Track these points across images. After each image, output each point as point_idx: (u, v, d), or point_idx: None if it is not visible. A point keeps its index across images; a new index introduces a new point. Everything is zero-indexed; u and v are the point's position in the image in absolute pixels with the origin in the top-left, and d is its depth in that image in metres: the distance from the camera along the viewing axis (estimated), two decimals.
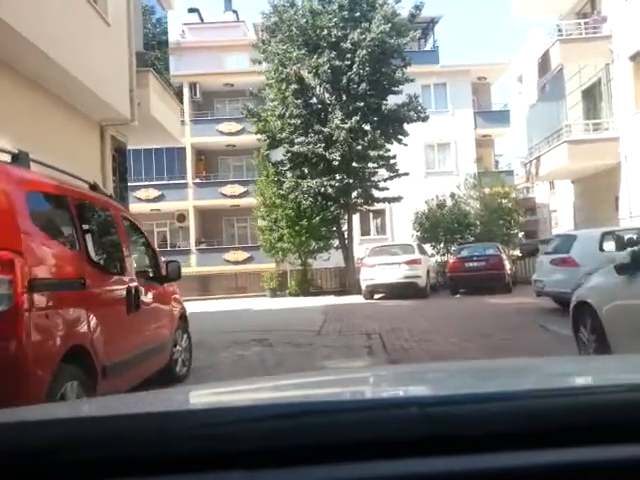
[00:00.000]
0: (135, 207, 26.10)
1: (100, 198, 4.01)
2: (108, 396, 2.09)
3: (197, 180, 26.60)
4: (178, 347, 5.43)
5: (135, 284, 4.09)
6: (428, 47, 27.16)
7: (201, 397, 1.17)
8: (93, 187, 4.11)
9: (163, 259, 5.42)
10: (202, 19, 33.69)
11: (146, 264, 5.01)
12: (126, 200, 11.35)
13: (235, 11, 33.21)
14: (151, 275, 4.96)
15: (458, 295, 15.41)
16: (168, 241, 27.62)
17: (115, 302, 3.80)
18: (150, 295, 4.57)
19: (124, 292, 3.91)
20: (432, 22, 26.22)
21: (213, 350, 7.56)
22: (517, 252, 20.39)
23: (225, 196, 26.04)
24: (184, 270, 20.32)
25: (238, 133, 25.65)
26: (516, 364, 1.60)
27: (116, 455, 0.67)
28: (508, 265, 15.41)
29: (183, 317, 5.65)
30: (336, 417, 0.72)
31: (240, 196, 25.51)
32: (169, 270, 4.93)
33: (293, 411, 0.74)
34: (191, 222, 26.30)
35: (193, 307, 16.16)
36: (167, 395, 1.37)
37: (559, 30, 16.34)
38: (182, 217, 26.68)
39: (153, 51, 10.64)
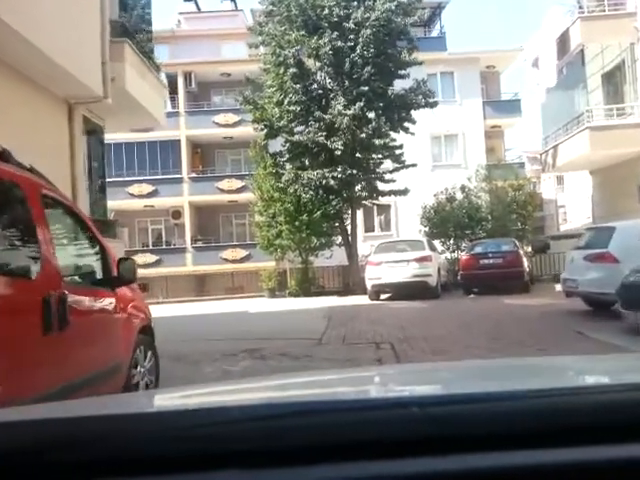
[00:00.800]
0: (128, 203, 25.07)
1: (4, 170, 2.81)
2: (103, 396, 1.90)
3: (193, 174, 25.42)
4: (139, 368, 4.25)
5: (60, 291, 2.90)
6: (434, 34, 25.92)
7: (199, 396, 1.12)
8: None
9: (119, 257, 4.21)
10: (199, 8, 32.52)
11: (89, 263, 3.82)
12: (104, 191, 10.18)
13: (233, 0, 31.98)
14: (97, 277, 3.77)
15: (472, 295, 14.21)
16: (163, 239, 26.49)
17: (19, 318, 2.62)
18: (90, 305, 3.39)
19: (38, 303, 2.72)
20: (439, 7, 24.97)
21: (196, 364, 6.42)
22: (528, 249, 19.21)
23: (222, 191, 24.88)
24: (180, 269, 19.27)
25: (235, 125, 24.45)
26: (518, 364, 1.60)
27: (111, 455, 0.66)
28: (526, 262, 14.20)
29: (147, 330, 4.46)
30: (336, 417, 0.71)
31: (238, 191, 24.29)
32: (120, 270, 3.74)
33: (293, 410, 0.74)
34: (186, 219, 25.12)
35: (186, 309, 15.17)
36: (164, 395, 1.35)
37: (580, 7, 15.07)
38: (177, 214, 25.51)
39: (132, 23, 9.44)
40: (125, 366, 3.95)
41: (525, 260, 14.26)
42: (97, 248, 3.82)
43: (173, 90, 25.69)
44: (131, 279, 3.84)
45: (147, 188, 24.86)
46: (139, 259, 24.96)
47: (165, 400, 1.16)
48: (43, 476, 0.65)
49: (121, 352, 3.89)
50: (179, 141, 25.11)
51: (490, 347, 6.34)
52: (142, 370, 4.32)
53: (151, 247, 25.78)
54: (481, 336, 7.12)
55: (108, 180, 24.25)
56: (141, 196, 24.85)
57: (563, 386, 0.94)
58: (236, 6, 32.11)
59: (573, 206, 39.48)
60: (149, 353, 4.50)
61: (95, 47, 8.00)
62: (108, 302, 3.69)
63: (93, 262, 3.82)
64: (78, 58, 7.59)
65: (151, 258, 24.59)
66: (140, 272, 18.71)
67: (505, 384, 1.03)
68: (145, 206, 25.37)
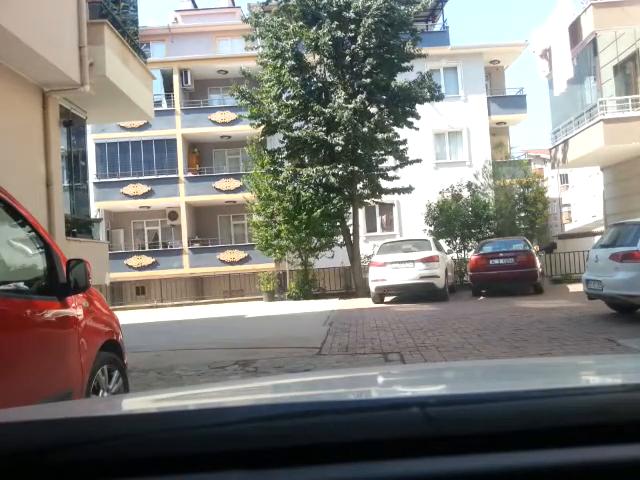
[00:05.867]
0: (123, 204, 24.39)
1: None
2: (107, 396, 2.04)
3: (189, 174, 24.69)
4: (102, 393, 3.51)
5: None
6: (437, 28, 25.22)
7: (202, 397, 1.13)
8: None
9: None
10: (195, 5, 31.88)
11: (30, 269, 3.09)
12: (87, 188, 9.45)
13: None
14: (42, 285, 3.03)
15: (481, 297, 13.47)
16: (160, 240, 25.78)
17: None
18: (21, 320, 2.65)
19: None
20: (441, 0, 24.23)
21: (179, 379, 5.71)
22: (537, 248, 18.50)
23: (220, 191, 24.18)
24: (176, 272, 18.65)
25: (233, 123, 23.73)
26: (519, 364, 1.62)
27: (115, 456, 0.66)
28: (539, 262, 13.47)
29: (112, 345, 3.71)
30: (337, 417, 0.71)
31: (236, 191, 23.55)
32: (70, 276, 3.00)
33: (294, 411, 0.74)
34: (183, 220, 24.39)
35: (181, 314, 14.47)
36: (167, 395, 1.30)
37: None
38: (174, 214, 24.80)
39: (116, 5, 8.71)
40: (80, 393, 3.20)
41: (538, 260, 13.52)
42: (41, 248, 3.07)
43: (169, 88, 25.02)
44: (83, 286, 3.09)
45: (143, 188, 24.16)
46: (135, 261, 24.38)
47: (169, 401, 1.13)
48: (45, 477, 0.65)
49: (73, 376, 3.15)
50: (175, 140, 24.44)
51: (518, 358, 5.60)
52: (106, 395, 3.58)
53: (147, 249, 25.08)
54: (502, 345, 6.37)
55: (102, 180, 23.96)
56: (136, 196, 24.16)
57: (563, 386, 0.93)
58: (233, 3, 31.47)
59: (581, 205, 38.81)
60: (115, 373, 3.75)
61: (71, 29, 7.28)
62: (51, 315, 2.95)
63: (35, 267, 3.08)
64: (51, 40, 6.88)
65: (147, 260, 23.94)
66: (136, 275, 17.99)
67: (506, 384, 1.04)
68: (141, 207, 24.72)
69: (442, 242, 16.30)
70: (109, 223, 24.53)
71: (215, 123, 24.39)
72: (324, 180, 15.32)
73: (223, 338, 8.75)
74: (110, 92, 8.30)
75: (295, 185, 15.94)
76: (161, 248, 25.18)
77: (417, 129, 16.23)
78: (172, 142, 24.42)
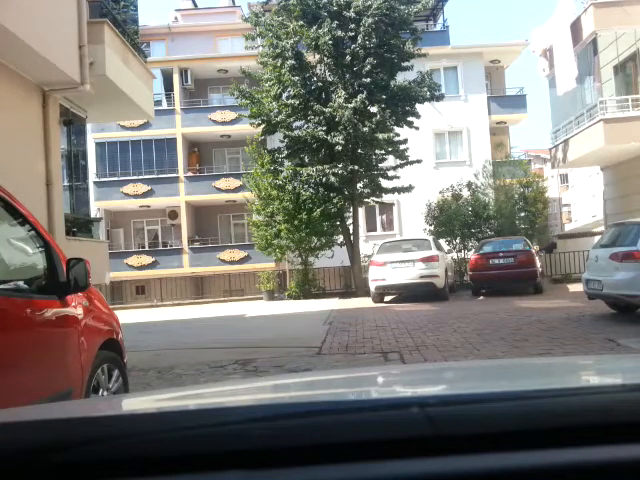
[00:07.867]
0: (123, 203, 24.40)
1: None
2: (107, 396, 2.05)
3: (189, 174, 24.69)
4: (102, 392, 3.51)
5: None
6: (437, 27, 25.22)
7: (202, 397, 1.13)
8: None
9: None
10: (196, 5, 31.86)
11: (30, 267, 3.08)
12: (87, 187, 9.45)
13: None
14: (42, 284, 3.03)
15: (481, 297, 13.47)
16: (159, 239, 25.78)
17: None
18: (21, 319, 2.64)
19: None
20: (441, 0, 24.23)
21: (178, 378, 5.71)
22: (537, 248, 18.50)
23: (220, 190, 24.18)
24: (176, 271, 18.65)
25: (233, 122, 23.73)
26: (519, 364, 1.63)
27: (115, 455, 0.66)
28: (539, 262, 13.47)
29: (112, 344, 3.71)
30: (337, 417, 0.71)
31: (236, 190, 23.56)
32: (70, 275, 3.00)
33: (294, 411, 0.74)
34: (183, 219, 24.39)
35: (182, 313, 14.48)
36: (167, 395, 1.31)
37: None
38: (174, 214, 24.79)
39: (116, 3, 8.71)
40: (80, 392, 3.20)
41: (538, 260, 13.53)
42: (41, 247, 3.07)
43: (169, 87, 25.02)
44: (83, 285, 3.09)
45: (142, 188, 24.16)
46: (135, 260, 24.39)
47: (169, 401, 1.13)
48: (45, 477, 0.64)
49: (73, 375, 3.15)
50: (175, 139, 24.44)
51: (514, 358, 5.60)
52: (106, 394, 3.58)
53: (147, 248, 25.08)
54: (501, 344, 6.37)
55: (102, 180, 23.97)
56: (136, 196, 24.16)
57: (563, 386, 0.93)
58: (233, 2, 31.46)
59: (581, 205, 38.80)
60: (115, 372, 3.75)
61: (71, 28, 7.27)
62: (51, 314, 2.95)
63: (36, 266, 3.08)
64: (52, 39, 6.87)
65: (147, 259, 23.94)
66: (136, 274, 18.00)
67: (506, 384, 1.04)
68: (141, 206, 24.72)
69: (442, 242, 16.30)
70: (109, 222, 24.53)
71: (215, 122, 24.40)
72: (324, 179, 15.32)
73: (223, 337, 8.76)
74: (110, 91, 8.30)
75: (295, 184, 15.94)
76: (161, 247, 25.19)
77: (417, 128, 16.23)
78: (172, 141, 24.42)
